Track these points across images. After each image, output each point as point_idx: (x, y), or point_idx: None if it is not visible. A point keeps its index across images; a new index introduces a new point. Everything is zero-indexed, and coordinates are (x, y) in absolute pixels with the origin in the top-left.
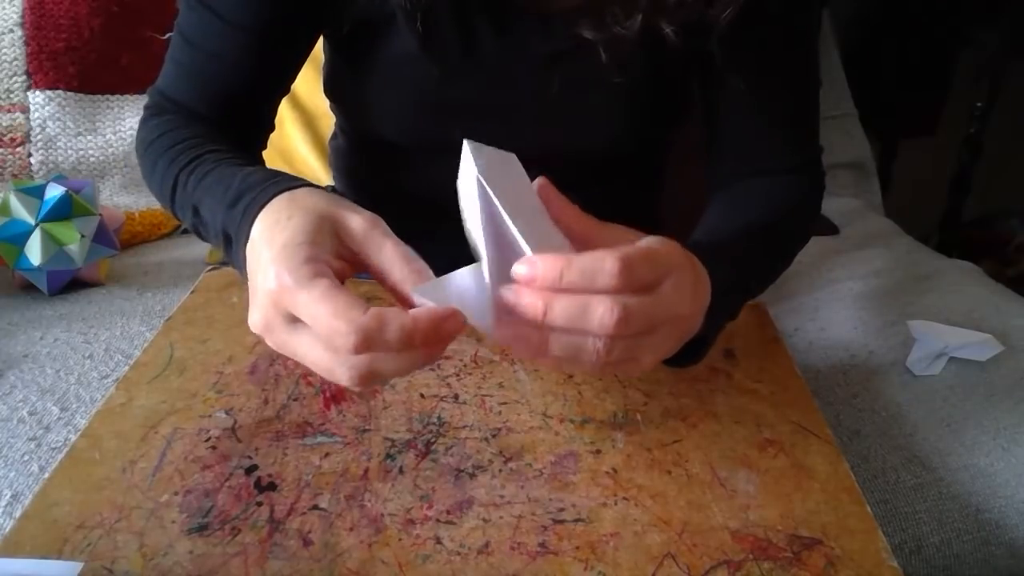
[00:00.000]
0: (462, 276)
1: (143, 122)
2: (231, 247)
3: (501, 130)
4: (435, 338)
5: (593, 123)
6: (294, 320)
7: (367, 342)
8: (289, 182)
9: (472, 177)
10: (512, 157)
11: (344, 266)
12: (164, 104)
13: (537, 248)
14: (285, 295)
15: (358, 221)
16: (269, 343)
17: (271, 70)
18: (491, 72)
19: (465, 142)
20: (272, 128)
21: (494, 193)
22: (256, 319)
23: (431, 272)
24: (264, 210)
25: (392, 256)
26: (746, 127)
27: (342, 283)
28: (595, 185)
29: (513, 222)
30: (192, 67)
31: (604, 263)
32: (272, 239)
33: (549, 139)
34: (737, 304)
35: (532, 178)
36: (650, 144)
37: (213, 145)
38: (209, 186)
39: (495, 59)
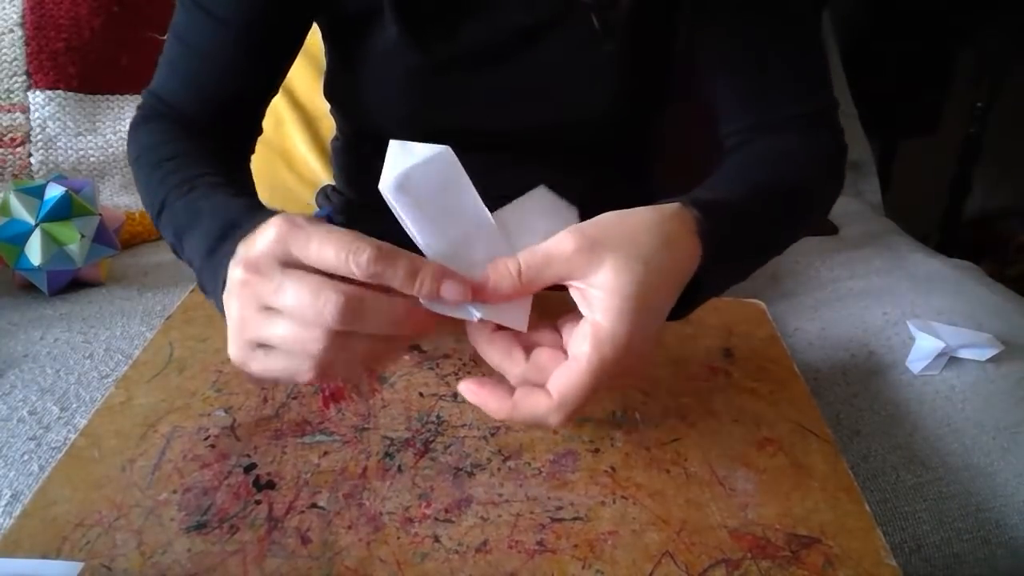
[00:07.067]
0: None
1: (134, 126)
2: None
3: (493, 111)
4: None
5: (583, 93)
6: (269, 309)
7: (381, 261)
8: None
9: (384, 186)
10: (445, 152)
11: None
12: (157, 106)
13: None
14: (292, 235)
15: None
16: (247, 320)
17: (261, 68)
18: (478, 52)
19: (392, 142)
20: (260, 133)
21: (400, 204)
22: (233, 311)
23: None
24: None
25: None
26: (743, 77)
27: None
28: (587, 169)
29: (420, 236)
30: (185, 67)
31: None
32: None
33: (541, 115)
34: (743, 261)
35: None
36: (640, 121)
37: (203, 166)
38: (196, 213)
39: (481, 38)
